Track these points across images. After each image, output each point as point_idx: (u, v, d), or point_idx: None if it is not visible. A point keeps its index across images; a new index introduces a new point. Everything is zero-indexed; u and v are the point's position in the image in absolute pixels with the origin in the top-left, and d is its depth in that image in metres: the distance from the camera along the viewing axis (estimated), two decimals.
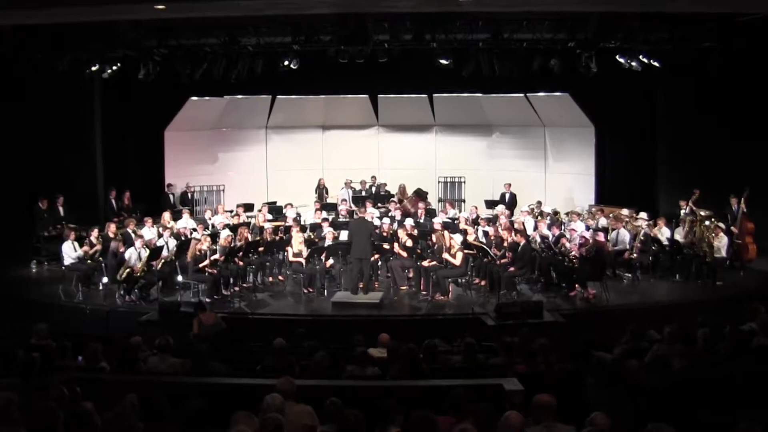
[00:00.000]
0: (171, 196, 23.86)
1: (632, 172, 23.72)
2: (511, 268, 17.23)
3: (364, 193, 24.50)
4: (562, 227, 19.96)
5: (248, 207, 22.99)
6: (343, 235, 18.84)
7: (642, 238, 18.80)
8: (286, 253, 18.86)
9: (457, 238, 17.97)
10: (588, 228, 19.48)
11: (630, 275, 18.68)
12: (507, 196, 23.84)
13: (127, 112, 23.88)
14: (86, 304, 16.81)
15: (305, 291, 17.76)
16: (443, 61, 19.38)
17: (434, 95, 25.59)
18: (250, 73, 20.13)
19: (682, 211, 20.16)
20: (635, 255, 18.65)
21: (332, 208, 23.05)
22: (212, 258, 17.27)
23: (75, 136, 22.64)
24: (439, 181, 26.43)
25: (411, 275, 18.17)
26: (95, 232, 18.62)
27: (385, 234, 18.85)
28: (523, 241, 17.62)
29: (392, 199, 23.56)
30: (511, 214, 22.04)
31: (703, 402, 8.17)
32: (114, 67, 19.77)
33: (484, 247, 17.95)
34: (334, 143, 27.31)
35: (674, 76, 21.12)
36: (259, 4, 14.92)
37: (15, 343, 10.65)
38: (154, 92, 22.09)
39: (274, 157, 27.01)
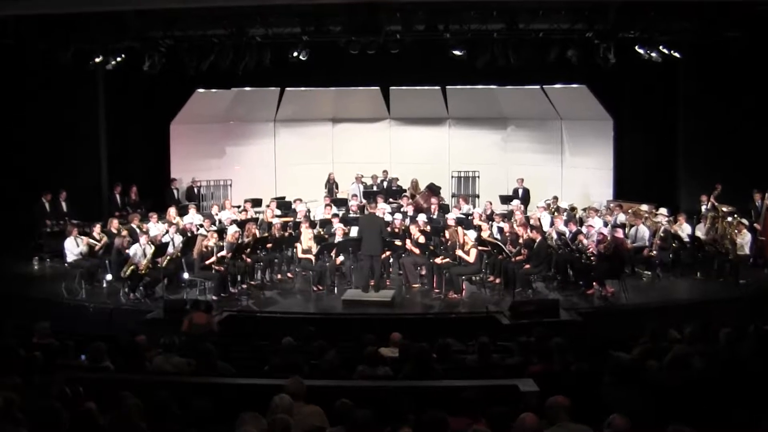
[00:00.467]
0: (175, 191, 23.92)
1: (652, 167, 23.65)
2: (527, 266, 17.21)
3: (375, 188, 24.51)
4: (580, 223, 19.95)
5: (256, 202, 23.03)
6: (354, 231, 18.87)
7: (662, 234, 18.75)
8: (295, 250, 18.85)
9: (471, 235, 17.94)
10: (606, 224, 19.47)
11: (649, 273, 18.62)
12: (521, 191, 23.85)
13: (132, 104, 23.84)
14: (89, 302, 16.87)
15: (315, 289, 17.77)
16: (457, 52, 19.33)
17: (447, 87, 25.58)
18: (258, 64, 20.07)
19: (704, 207, 20.11)
20: (655, 252, 18.61)
21: (342, 203, 23.07)
22: (219, 255, 17.27)
23: (78, 129, 22.69)
24: (452, 176, 26.40)
25: (423, 272, 18.14)
26: (97, 228, 18.67)
27: (396, 230, 18.84)
28: (539, 238, 17.59)
29: (404, 194, 23.58)
30: (526, 210, 22.03)
31: (726, 404, 8.13)
32: (118, 59, 19.73)
33: (499, 243, 17.93)
34: (344, 137, 27.34)
35: (695, 67, 21.06)
36: None
37: (16, 342, 10.66)
38: (159, 84, 22.17)
39: (282, 151, 27.05)
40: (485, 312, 15.74)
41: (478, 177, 26.24)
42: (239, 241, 18.00)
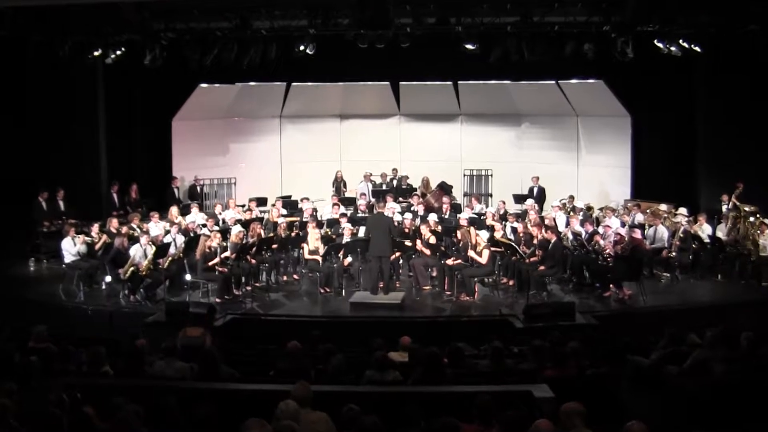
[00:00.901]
0: (176, 190, 23.94)
1: (671, 165, 23.60)
2: (541, 267, 17.17)
3: (384, 187, 24.52)
4: (596, 223, 19.93)
5: (261, 201, 23.05)
6: (362, 232, 18.85)
7: (681, 235, 18.71)
8: (301, 251, 18.86)
9: (484, 235, 17.92)
10: (623, 224, 19.43)
11: (668, 275, 18.59)
12: (536, 190, 23.84)
13: (132, 100, 23.90)
14: (88, 305, 16.82)
15: (322, 291, 17.79)
16: (469, 46, 19.30)
17: (459, 82, 25.59)
18: (264, 58, 20.07)
19: (725, 207, 20.06)
20: (674, 253, 18.57)
21: (351, 202, 23.06)
22: (223, 255, 17.26)
23: (77, 126, 22.69)
24: (464, 174, 26.40)
25: (434, 274, 18.14)
26: (95, 228, 18.69)
27: (407, 230, 18.83)
28: (554, 238, 17.57)
29: (415, 193, 23.58)
30: (540, 210, 22.02)
31: (748, 411, 8.13)
32: (118, 52, 19.75)
33: (513, 244, 17.88)
34: (352, 133, 27.38)
35: (716, 62, 20.97)
36: None
37: (12, 346, 10.68)
38: (161, 79, 22.17)
39: (288, 148, 27.09)
40: (498, 315, 15.72)
41: (491, 175, 26.21)
42: (243, 242, 17.99)
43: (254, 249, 17.91)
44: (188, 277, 17.60)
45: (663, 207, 20.60)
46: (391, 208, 20.59)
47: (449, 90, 25.82)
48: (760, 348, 10.41)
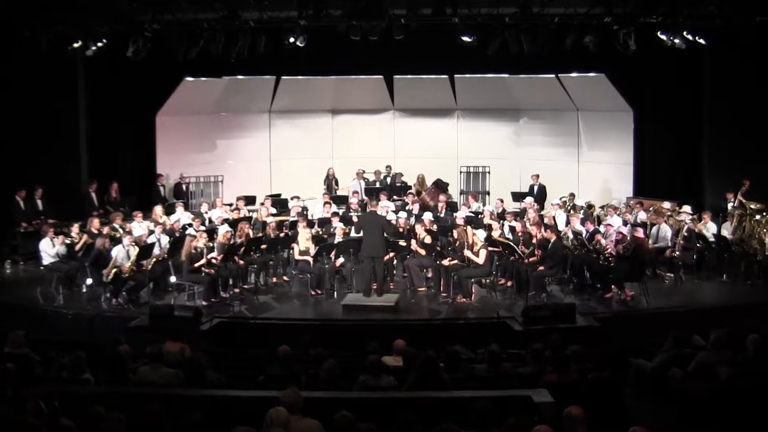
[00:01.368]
0: (162, 188, 23.93)
1: (674, 161, 23.65)
2: (541, 268, 17.19)
3: (378, 185, 24.57)
4: (597, 222, 19.96)
5: (249, 200, 23.05)
6: (355, 231, 18.88)
7: (685, 234, 18.72)
8: (291, 251, 18.84)
9: (481, 234, 17.94)
10: (625, 223, 19.47)
11: (672, 275, 18.59)
12: (535, 188, 23.87)
13: (115, 94, 23.74)
14: (68, 309, 16.71)
15: (313, 293, 17.78)
16: (466, 39, 19.29)
17: (456, 76, 25.60)
18: (252, 51, 20.04)
19: (730, 204, 20.13)
20: (678, 253, 18.57)
21: (343, 201, 23.12)
22: (209, 256, 17.22)
23: (56, 121, 22.47)
24: (461, 171, 26.47)
25: (430, 275, 18.17)
26: (76, 228, 18.62)
27: (401, 230, 18.86)
28: (553, 238, 17.58)
29: (409, 191, 23.62)
30: (541, 208, 22.07)
31: (754, 415, 8.16)
32: (100, 44, 19.71)
33: (511, 244, 17.91)
34: (344, 129, 27.40)
35: (722, 55, 21.05)
36: None
37: None
38: (144, 72, 22.03)
39: (278, 145, 27.11)
40: (496, 317, 15.74)
41: (489, 172, 26.30)
42: (231, 242, 18.02)
43: (242, 249, 17.90)
44: (173, 279, 17.57)
45: (666, 205, 20.63)
46: (385, 207, 20.59)
47: (445, 84, 25.83)
48: (766, 351, 10.45)
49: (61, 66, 21.47)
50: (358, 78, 26.00)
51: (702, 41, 18.90)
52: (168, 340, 12.79)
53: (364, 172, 24.78)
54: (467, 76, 25.39)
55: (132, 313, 16.13)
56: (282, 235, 19.13)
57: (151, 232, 18.77)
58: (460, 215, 19.84)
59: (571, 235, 18.66)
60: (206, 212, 21.36)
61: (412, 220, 19.90)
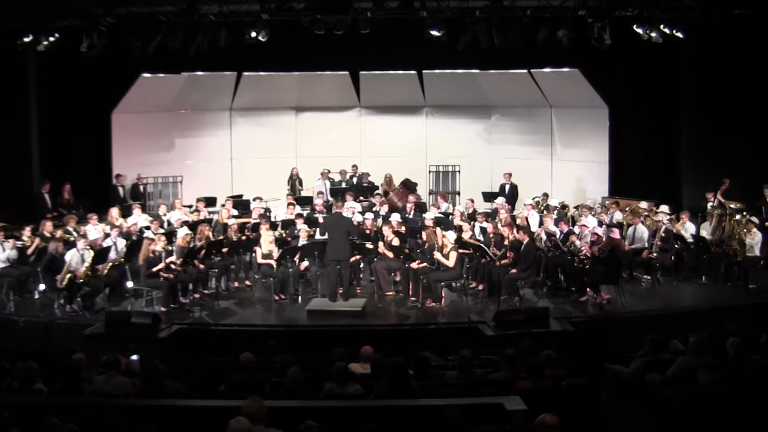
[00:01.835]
0: (121, 189, 23.79)
1: (652, 160, 23.75)
2: (513, 270, 17.23)
3: (344, 185, 24.53)
4: (572, 223, 20.02)
5: (210, 201, 23.00)
6: (320, 233, 18.85)
7: (663, 234, 18.78)
8: (253, 255, 18.80)
9: (451, 236, 17.94)
10: (601, 223, 19.55)
11: (649, 277, 18.69)
12: (507, 187, 23.93)
13: (69, 91, 23.52)
14: (19, 316, 16.56)
15: (276, 298, 17.73)
16: (435, 33, 19.32)
17: (424, 72, 25.62)
18: (212, 46, 19.98)
19: (709, 204, 20.21)
20: (655, 254, 18.66)
21: (307, 202, 23.08)
22: (168, 260, 17.15)
23: (6, 120, 22.34)
24: (430, 171, 26.53)
25: (398, 279, 18.18)
26: (27, 231, 18.46)
27: (368, 231, 18.87)
28: (526, 239, 17.60)
29: (376, 191, 23.62)
30: (513, 209, 22.11)
31: (734, 422, 8.19)
32: (52, 39, 19.57)
33: (482, 246, 17.95)
34: (309, 127, 27.39)
35: (701, 49, 21.16)
36: None
37: None
38: (100, 68, 21.85)
39: (239, 144, 27.07)
40: (467, 322, 15.70)
41: (459, 172, 26.36)
42: (191, 245, 17.97)
43: (202, 253, 17.83)
44: (130, 284, 17.46)
45: (643, 204, 20.71)
46: (351, 208, 20.64)
47: (413, 80, 25.86)
48: (747, 355, 10.51)
49: (10, 62, 21.31)
50: (323, 74, 26.01)
51: (680, 35, 19.00)
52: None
53: (329, 171, 24.73)
54: (436, 71, 25.42)
55: (87, 321, 15.96)
56: (244, 237, 19.11)
57: (107, 235, 18.68)
58: (430, 216, 19.80)
59: (544, 237, 18.71)
60: (165, 214, 21.26)
61: (380, 221, 19.91)
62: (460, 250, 17.62)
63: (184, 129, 26.51)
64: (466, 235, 18.48)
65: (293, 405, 9.15)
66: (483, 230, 19.32)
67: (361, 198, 23.07)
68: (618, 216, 20.45)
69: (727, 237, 18.76)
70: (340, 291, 17.09)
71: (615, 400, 9.74)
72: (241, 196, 23.65)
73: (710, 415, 8.53)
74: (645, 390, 9.75)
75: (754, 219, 18.59)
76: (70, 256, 16.89)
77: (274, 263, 17.92)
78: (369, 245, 18.26)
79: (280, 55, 22.69)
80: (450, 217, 20.52)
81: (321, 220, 19.62)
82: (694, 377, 9.72)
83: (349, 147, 26.73)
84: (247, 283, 19.00)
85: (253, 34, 19.40)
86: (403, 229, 18.92)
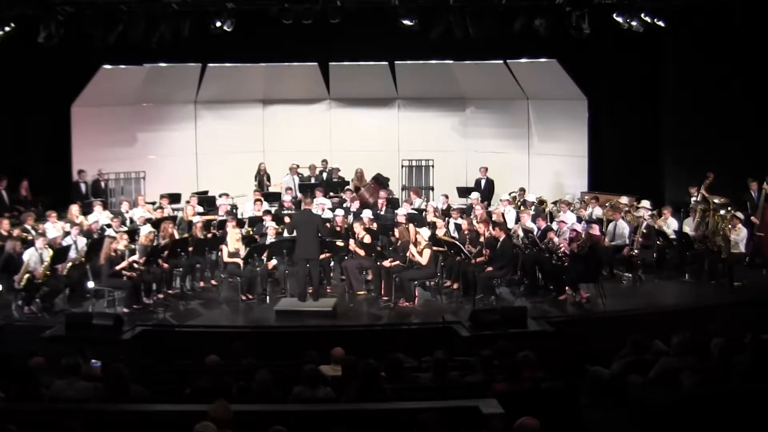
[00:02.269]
0: (83, 185, 23.66)
1: (632, 153, 23.85)
2: (489, 268, 17.26)
3: (313, 180, 24.53)
4: (550, 219, 20.06)
5: (174, 198, 22.92)
6: (288, 231, 18.82)
7: (644, 230, 18.87)
8: (220, 253, 18.80)
9: (424, 233, 17.95)
10: (580, 219, 19.57)
11: (630, 275, 18.73)
12: (483, 182, 23.99)
13: (26, 83, 23.41)
14: None
15: (243, 298, 17.69)
16: (407, 22, 19.33)
17: (396, 63, 25.68)
18: (176, 36, 19.93)
19: (693, 199, 20.28)
20: (636, 251, 18.73)
21: (275, 198, 23.08)
22: (130, 259, 17.08)
23: None
24: (402, 165, 26.53)
25: (370, 278, 18.18)
26: None
27: (338, 228, 18.85)
28: (502, 236, 17.63)
29: (347, 187, 23.59)
30: (488, 204, 22.13)
31: (718, 425, 8.22)
32: (7, 29, 19.42)
33: (457, 243, 17.93)
34: (277, 121, 27.36)
35: (683, 39, 21.24)
36: None
37: None
38: (58, 60, 21.79)
39: (205, 138, 26.99)
40: (441, 322, 15.73)
41: (433, 166, 26.35)
42: (154, 244, 17.89)
43: (166, 252, 17.78)
44: (91, 284, 17.41)
45: (624, 200, 20.80)
46: (321, 204, 20.62)
47: (385, 71, 25.90)
48: (732, 356, 10.54)
49: None
50: (291, 65, 26.00)
51: (661, 24, 19.04)
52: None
53: (298, 166, 24.69)
54: (409, 62, 25.48)
55: (46, 322, 15.92)
56: (209, 235, 19.05)
57: (67, 233, 18.55)
58: (402, 212, 19.85)
59: (521, 233, 18.74)
60: (127, 211, 21.20)
61: (351, 218, 19.89)
62: (434, 248, 17.60)
63: (146, 122, 26.38)
64: (440, 232, 18.46)
65: (261, 409, 9.13)
66: (458, 227, 19.33)
67: (331, 194, 23.06)
68: (598, 212, 20.50)
69: (711, 233, 18.82)
70: (310, 290, 17.06)
71: (595, 402, 9.76)
72: (206, 192, 23.61)
73: (694, 418, 8.55)
74: (626, 392, 9.77)
75: (739, 214, 18.62)
76: (29, 256, 16.78)
77: (241, 262, 17.89)
78: (339, 243, 18.24)
79: (246, 46, 22.68)
80: (423, 213, 20.52)
81: (289, 218, 19.58)
82: (677, 379, 9.74)
83: (319, 141, 26.74)
84: (213, 282, 19.00)
85: (219, 24, 19.33)
86: (374, 226, 18.92)
